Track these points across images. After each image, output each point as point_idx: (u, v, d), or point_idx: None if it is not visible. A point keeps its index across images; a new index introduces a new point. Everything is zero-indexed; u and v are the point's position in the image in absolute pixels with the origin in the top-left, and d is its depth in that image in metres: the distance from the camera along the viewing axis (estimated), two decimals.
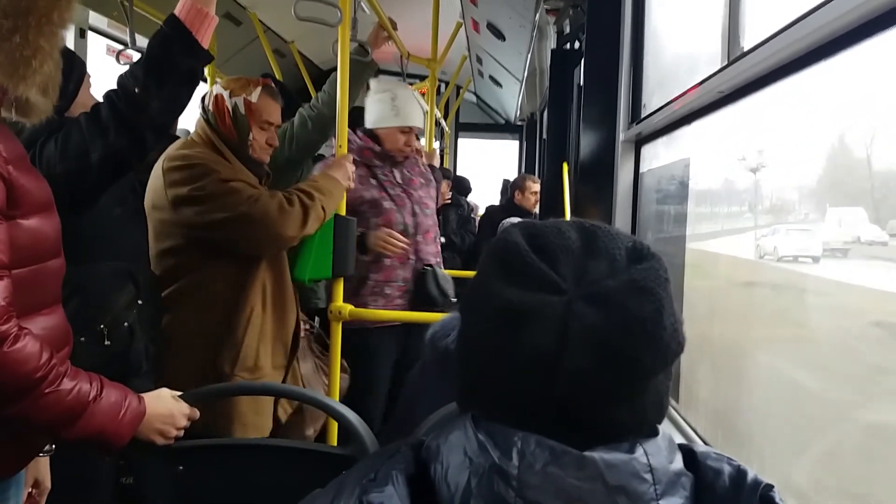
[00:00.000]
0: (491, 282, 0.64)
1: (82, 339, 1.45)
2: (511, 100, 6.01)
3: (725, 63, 1.31)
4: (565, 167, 3.60)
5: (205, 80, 3.70)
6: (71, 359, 1.21)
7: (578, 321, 0.59)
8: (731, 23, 1.32)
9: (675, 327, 0.62)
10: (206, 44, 1.39)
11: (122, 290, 1.58)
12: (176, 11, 1.36)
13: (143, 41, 3.02)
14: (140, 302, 1.62)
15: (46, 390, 1.01)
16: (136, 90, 1.33)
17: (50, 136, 1.39)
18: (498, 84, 5.43)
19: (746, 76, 1.22)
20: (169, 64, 1.35)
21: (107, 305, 1.54)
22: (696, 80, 1.49)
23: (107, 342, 1.54)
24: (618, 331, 0.59)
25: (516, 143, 8.46)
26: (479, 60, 5.21)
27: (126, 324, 1.57)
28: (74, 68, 1.49)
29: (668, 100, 1.68)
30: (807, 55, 1.03)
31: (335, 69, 2.19)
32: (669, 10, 1.96)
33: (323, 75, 5.43)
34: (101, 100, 1.42)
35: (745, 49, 1.24)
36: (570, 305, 0.60)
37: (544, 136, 5.93)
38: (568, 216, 3.40)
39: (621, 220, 2.10)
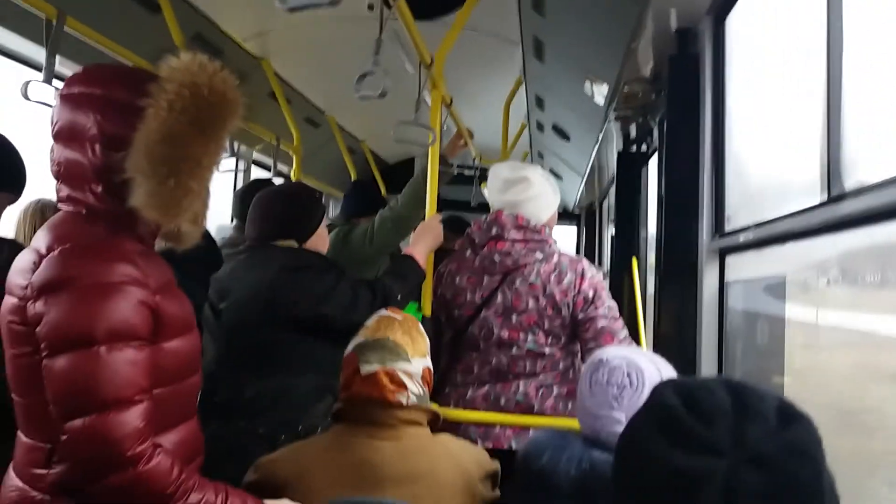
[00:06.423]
0: (651, 446, 0.68)
1: (283, 437, 1.76)
2: (571, 191, 6.13)
3: (825, 199, 1.33)
4: (634, 262, 3.64)
5: (268, 168, 4.03)
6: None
7: (744, 485, 0.63)
8: (830, 157, 1.33)
9: (832, 487, 0.66)
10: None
11: (321, 400, 1.86)
12: (416, 256, 2.13)
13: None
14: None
15: None
16: (399, 297, 2.01)
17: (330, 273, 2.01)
18: (558, 177, 5.57)
19: (848, 215, 1.23)
20: (413, 288, 2.12)
21: (306, 411, 1.78)
22: (788, 203, 1.52)
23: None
24: (782, 494, 0.63)
25: (573, 228, 8.54)
26: (541, 156, 5.37)
27: (319, 428, 1.80)
28: (318, 211, 2.11)
29: (758, 221, 1.70)
30: None
31: (401, 163, 2.38)
32: (754, 129, 2.02)
33: (389, 168, 5.71)
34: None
35: (848, 189, 1.26)
36: (734, 469, 0.64)
37: (605, 226, 6.01)
38: (639, 311, 3.42)
39: (708, 329, 2.11)
